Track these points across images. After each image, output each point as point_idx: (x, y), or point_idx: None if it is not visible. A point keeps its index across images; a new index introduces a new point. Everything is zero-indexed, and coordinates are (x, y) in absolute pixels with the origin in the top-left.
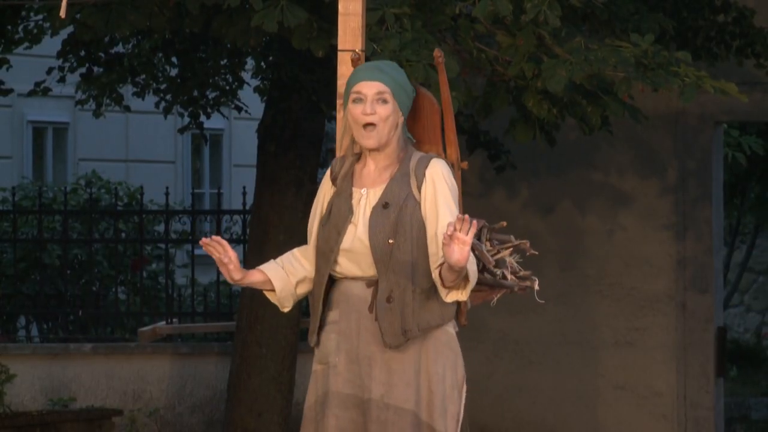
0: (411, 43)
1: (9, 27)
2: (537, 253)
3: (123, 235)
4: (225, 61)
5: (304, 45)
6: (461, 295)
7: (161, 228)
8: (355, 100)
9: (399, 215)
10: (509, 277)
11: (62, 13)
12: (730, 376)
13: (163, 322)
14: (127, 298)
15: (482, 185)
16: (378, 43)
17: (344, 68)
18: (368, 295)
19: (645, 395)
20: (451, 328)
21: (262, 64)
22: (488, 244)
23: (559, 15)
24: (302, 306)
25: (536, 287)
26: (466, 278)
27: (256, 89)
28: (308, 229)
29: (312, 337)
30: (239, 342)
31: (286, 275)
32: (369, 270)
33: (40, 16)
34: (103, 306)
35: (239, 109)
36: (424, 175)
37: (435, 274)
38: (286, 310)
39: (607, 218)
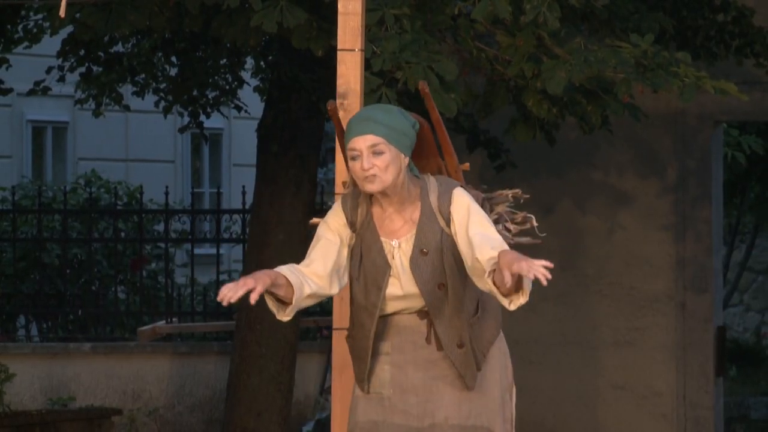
0: (410, 44)
1: (9, 26)
2: (528, 196)
3: (122, 234)
4: (225, 60)
5: (303, 45)
6: (523, 297)
7: (161, 227)
8: (353, 158)
9: (443, 258)
10: (511, 227)
11: (62, 13)
12: (729, 376)
13: (163, 322)
14: (126, 297)
15: (482, 185)
16: (377, 44)
17: (344, 68)
18: (422, 326)
19: (645, 395)
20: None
21: (262, 63)
22: (488, 210)
23: (558, 16)
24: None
25: (534, 224)
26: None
27: (256, 89)
28: (313, 246)
29: (363, 385)
30: (239, 341)
31: (301, 285)
32: (419, 306)
33: (40, 16)
34: (102, 305)
35: (239, 108)
36: (450, 212)
37: (489, 284)
38: (286, 319)
39: (607, 218)
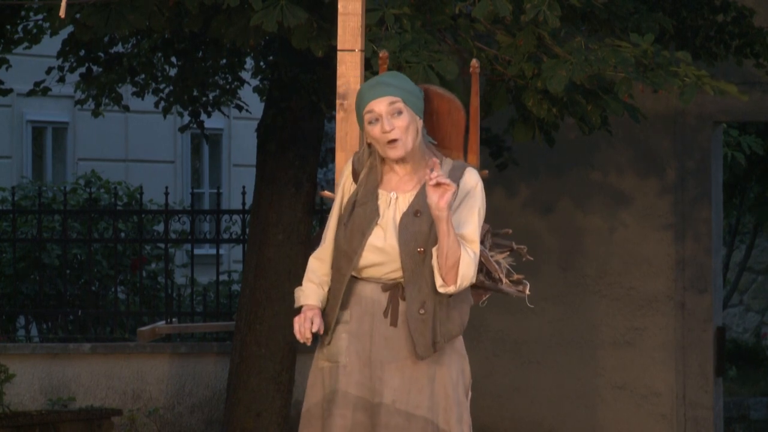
0: (411, 44)
1: (9, 27)
2: (532, 258)
3: (122, 234)
4: (224, 60)
5: (303, 45)
6: (452, 287)
7: (161, 228)
8: (370, 121)
9: (432, 225)
10: (504, 280)
11: (62, 13)
12: (729, 376)
13: (163, 322)
14: (126, 297)
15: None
16: (377, 44)
17: (344, 68)
18: (383, 299)
19: (644, 395)
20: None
21: (262, 63)
22: (488, 246)
23: (558, 15)
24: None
25: (527, 292)
26: (456, 271)
27: (256, 89)
28: (327, 224)
29: (327, 336)
30: (238, 342)
31: (324, 292)
32: (390, 274)
33: (40, 16)
34: (102, 306)
35: (240, 108)
36: (457, 186)
37: (434, 258)
38: None
39: (607, 218)
